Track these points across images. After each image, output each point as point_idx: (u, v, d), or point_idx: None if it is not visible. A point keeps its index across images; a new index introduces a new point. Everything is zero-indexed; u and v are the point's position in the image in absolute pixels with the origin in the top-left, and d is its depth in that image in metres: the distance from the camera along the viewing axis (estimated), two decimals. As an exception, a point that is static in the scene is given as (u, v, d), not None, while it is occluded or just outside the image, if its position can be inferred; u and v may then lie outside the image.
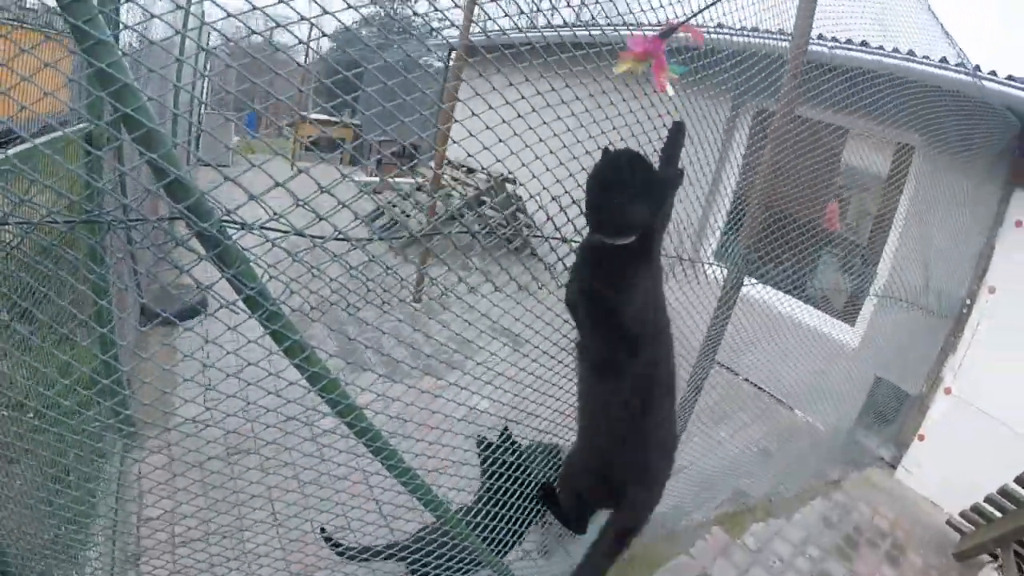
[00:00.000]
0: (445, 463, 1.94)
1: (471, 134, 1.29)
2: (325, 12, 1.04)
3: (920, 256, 4.27)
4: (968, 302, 4.42)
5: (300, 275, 1.13)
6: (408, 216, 6.47)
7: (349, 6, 1.08)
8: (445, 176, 6.27)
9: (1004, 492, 3.51)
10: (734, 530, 3.24)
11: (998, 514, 3.59)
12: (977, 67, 4.11)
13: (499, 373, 1.66)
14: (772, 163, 2.32)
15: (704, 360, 2.52)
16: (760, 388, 4.80)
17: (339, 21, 1.11)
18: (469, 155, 1.28)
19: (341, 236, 1.13)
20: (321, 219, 1.06)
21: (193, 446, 2.12)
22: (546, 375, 1.88)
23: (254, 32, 1.02)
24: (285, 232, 1.02)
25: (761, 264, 2.66)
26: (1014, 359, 4.22)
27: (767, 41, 2.16)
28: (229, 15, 0.99)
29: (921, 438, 4.58)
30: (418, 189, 6.80)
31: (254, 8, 0.95)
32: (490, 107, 1.31)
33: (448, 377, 1.67)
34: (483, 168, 1.45)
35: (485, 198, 5.96)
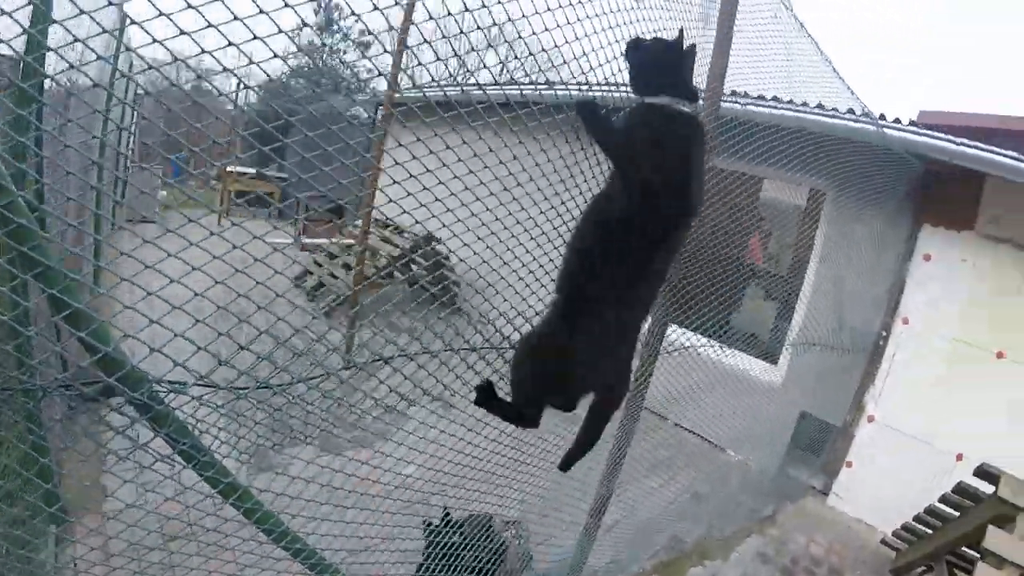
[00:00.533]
0: (379, 537, 1.86)
1: (401, 188, 1.23)
2: (252, 62, 1.01)
3: (833, 300, 4.46)
4: (884, 334, 4.63)
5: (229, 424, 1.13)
6: (335, 277, 6.32)
7: (276, 55, 1.02)
8: (372, 236, 6.18)
9: (931, 511, 3.66)
10: (672, 577, 3.22)
11: (928, 531, 3.73)
12: (882, 115, 4.37)
13: (431, 440, 1.60)
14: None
15: (633, 408, 2.49)
16: (691, 431, 4.86)
17: (265, 73, 1.05)
18: (399, 213, 1.24)
19: (263, 385, 1.14)
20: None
21: (130, 536, 1.95)
22: (475, 439, 1.82)
23: (175, 85, 0.98)
24: (212, 387, 1.04)
25: (684, 309, 2.68)
26: (929, 383, 4.48)
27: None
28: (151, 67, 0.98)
29: (849, 465, 4.73)
30: (345, 250, 6.67)
31: (176, 60, 0.95)
32: (414, 157, 1.28)
33: (381, 447, 1.59)
34: (412, 225, 1.38)
35: (414, 257, 5.89)
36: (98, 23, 0.96)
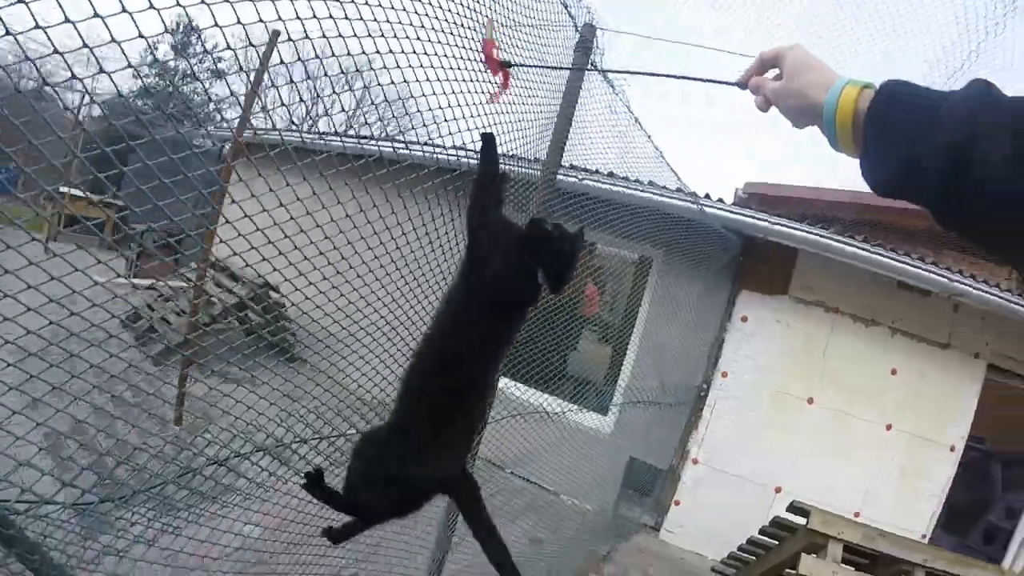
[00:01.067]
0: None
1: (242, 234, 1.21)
2: (102, 71, 0.91)
3: (656, 362, 4.90)
4: (704, 386, 5.12)
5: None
6: (168, 323, 5.88)
7: (130, 65, 0.96)
8: (208, 280, 5.81)
9: (752, 541, 4.05)
10: (511, 621, 3.24)
11: (752, 558, 4.12)
12: (707, 194, 4.90)
13: (268, 488, 1.54)
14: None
15: (471, 455, 2.55)
16: (527, 480, 5.02)
17: (115, 84, 0.95)
18: (235, 256, 1.20)
19: (106, 499, 1.13)
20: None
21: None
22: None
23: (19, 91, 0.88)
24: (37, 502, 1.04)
25: (519, 360, 2.82)
26: (747, 427, 5.03)
27: (522, 169, 2.36)
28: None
29: (677, 503, 5.11)
30: (180, 292, 6.16)
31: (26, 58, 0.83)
32: (264, 208, 1.25)
33: (218, 501, 1.49)
34: (244, 268, 1.33)
35: (248, 304, 5.60)
36: None
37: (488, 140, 1.25)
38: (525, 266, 1.15)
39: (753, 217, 4.76)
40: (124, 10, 0.89)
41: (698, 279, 4.84)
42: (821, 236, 4.62)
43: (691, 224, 4.26)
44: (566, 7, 2.26)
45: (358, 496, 1.25)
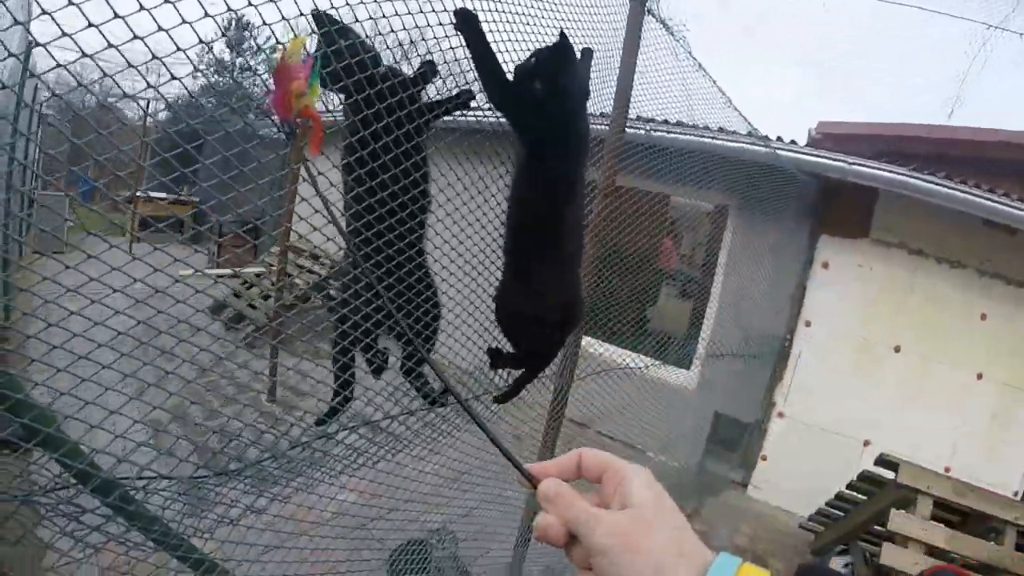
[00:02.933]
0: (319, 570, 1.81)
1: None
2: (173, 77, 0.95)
3: (737, 314, 4.68)
4: (788, 336, 4.86)
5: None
6: (254, 307, 6.09)
7: (195, 69, 0.97)
8: (289, 263, 5.97)
9: (840, 496, 3.88)
10: (602, 578, 3.24)
11: (840, 514, 3.97)
12: (779, 138, 4.60)
13: (361, 464, 1.57)
14: (599, 226, 2.39)
15: (554, 418, 2.52)
16: (612, 438, 4.97)
17: (181, 84, 0.99)
18: (313, 233, 1.20)
19: (221, 472, 1.20)
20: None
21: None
22: (404, 460, 1.80)
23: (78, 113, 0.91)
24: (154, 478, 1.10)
25: (601, 312, 2.74)
26: (834, 378, 4.76)
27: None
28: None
29: (764, 458, 4.93)
30: (258, 276, 6.37)
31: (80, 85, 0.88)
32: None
33: (312, 475, 1.55)
34: (324, 245, 1.35)
35: (327, 284, 5.73)
36: (5, 48, 0.89)
37: (466, 19, 1.24)
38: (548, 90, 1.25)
39: (829, 158, 4.44)
40: (184, 21, 0.88)
41: (777, 225, 4.58)
42: (901, 174, 4.25)
43: (765, 169, 4.01)
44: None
45: (525, 345, 1.48)
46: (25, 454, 1.00)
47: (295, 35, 0.96)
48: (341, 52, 1.11)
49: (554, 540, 0.50)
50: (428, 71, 1.42)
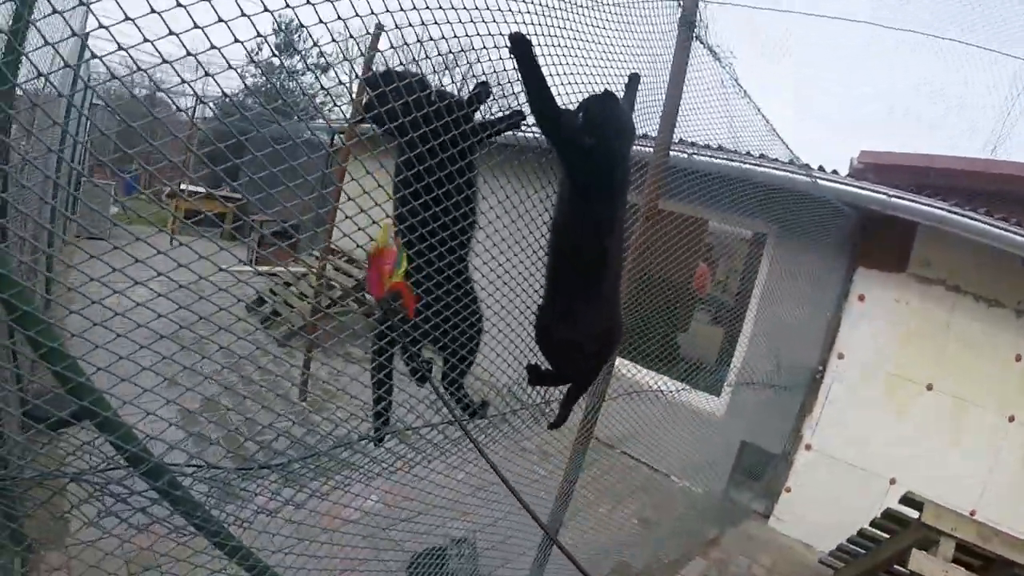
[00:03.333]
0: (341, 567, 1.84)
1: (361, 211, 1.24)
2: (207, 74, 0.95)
3: (770, 343, 4.61)
4: (820, 368, 4.78)
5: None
6: (292, 307, 6.19)
7: (230, 66, 1.01)
8: (328, 265, 6.05)
9: (863, 534, 3.78)
10: (619, 600, 3.22)
11: (861, 551, 3.86)
12: (820, 167, 4.55)
13: (396, 469, 1.59)
14: (638, 249, 2.40)
15: (583, 436, 2.52)
16: (637, 460, 4.92)
17: (220, 88, 1.02)
18: (355, 242, 1.24)
19: (265, 466, 1.24)
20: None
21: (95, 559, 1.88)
22: (438, 467, 1.82)
23: (134, 96, 0.94)
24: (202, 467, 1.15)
25: (633, 335, 2.73)
26: (863, 412, 4.65)
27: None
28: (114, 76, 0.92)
29: (788, 490, 4.83)
30: (300, 278, 6.48)
31: (139, 69, 0.90)
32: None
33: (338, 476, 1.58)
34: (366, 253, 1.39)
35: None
36: (70, 27, 0.92)
37: (519, 44, 1.29)
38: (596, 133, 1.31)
39: (869, 189, 4.37)
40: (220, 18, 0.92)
41: (814, 255, 4.52)
42: (942, 209, 4.15)
43: (805, 198, 3.97)
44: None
45: (562, 368, 1.53)
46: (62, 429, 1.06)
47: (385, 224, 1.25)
48: (390, 95, 1.18)
49: None
50: (482, 92, 1.46)
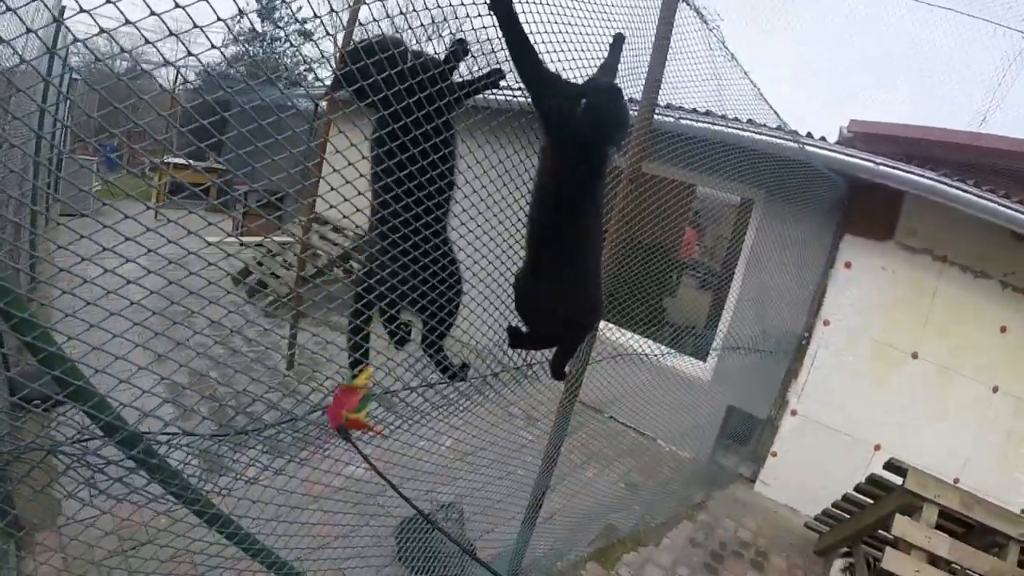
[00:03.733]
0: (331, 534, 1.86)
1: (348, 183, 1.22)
2: (190, 53, 0.98)
3: (756, 309, 4.63)
4: (806, 334, 4.81)
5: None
6: (277, 277, 6.12)
7: (213, 46, 1.01)
8: (313, 234, 5.99)
9: (847, 499, 3.86)
10: (607, 563, 3.28)
11: (846, 516, 3.95)
12: (808, 134, 4.51)
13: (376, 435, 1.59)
14: (622, 213, 2.38)
15: (567, 400, 2.53)
16: (625, 424, 4.95)
17: (200, 62, 1.02)
18: (340, 208, 1.22)
19: (241, 431, 1.24)
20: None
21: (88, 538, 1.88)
22: (421, 431, 1.82)
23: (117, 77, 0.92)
24: (177, 434, 1.16)
25: (620, 299, 2.73)
26: (848, 378, 4.71)
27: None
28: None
29: (774, 454, 4.90)
30: (283, 245, 6.40)
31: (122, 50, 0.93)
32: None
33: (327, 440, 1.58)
34: (354, 224, 1.37)
35: (352, 254, 5.73)
36: (47, 6, 0.90)
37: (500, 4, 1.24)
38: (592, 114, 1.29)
39: (857, 157, 4.34)
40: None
41: (801, 222, 4.51)
42: (930, 179, 4.13)
43: (793, 165, 3.95)
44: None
45: (540, 330, 1.54)
46: (51, 408, 1.05)
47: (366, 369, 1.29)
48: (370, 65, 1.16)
49: None
50: (459, 50, 1.42)
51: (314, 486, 1.67)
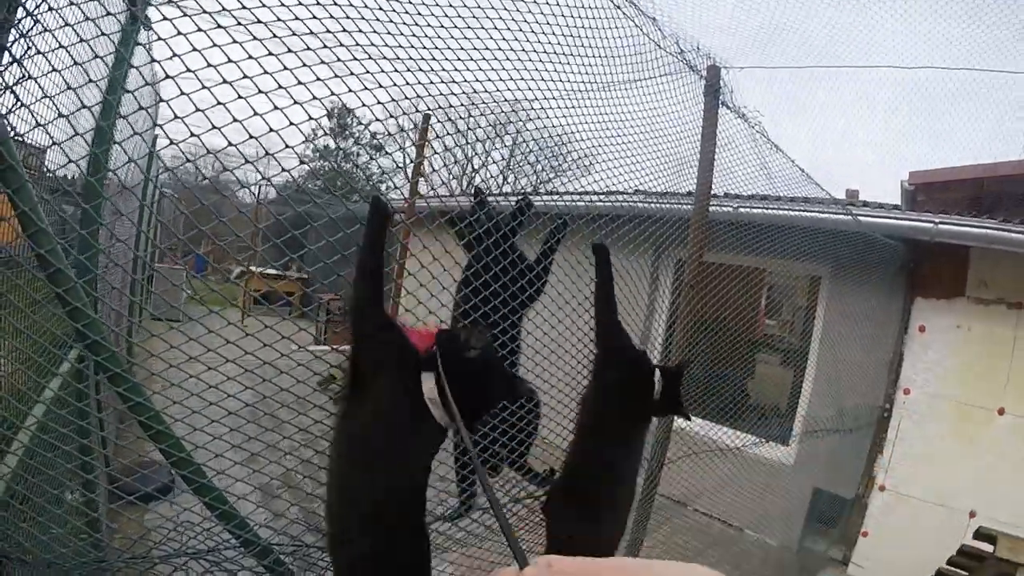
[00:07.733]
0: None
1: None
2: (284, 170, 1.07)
3: (832, 387, 4.43)
4: (887, 406, 4.55)
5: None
6: None
7: (302, 161, 1.12)
8: None
9: (940, 574, 3.52)
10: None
11: None
12: (864, 203, 4.46)
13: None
14: (692, 300, 2.42)
15: (646, 498, 2.48)
16: (709, 516, 4.74)
17: (286, 170, 1.08)
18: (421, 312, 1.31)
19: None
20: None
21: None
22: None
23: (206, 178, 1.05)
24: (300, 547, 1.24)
25: (700, 391, 2.70)
26: (933, 445, 4.37)
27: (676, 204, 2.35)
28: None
29: (865, 534, 4.54)
30: None
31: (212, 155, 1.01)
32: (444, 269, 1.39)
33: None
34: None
35: None
36: (153, 120, 1.03)
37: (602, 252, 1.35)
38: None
39: (913, 219, 4.24)
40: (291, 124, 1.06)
41: (870, 291, 4.33)
42: (991, 228, 3.95)
43: (852, 236, 3.89)
44: (686, 62, 2.24)
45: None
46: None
47: None
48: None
49: None
50: (523, 206, 1.63)
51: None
